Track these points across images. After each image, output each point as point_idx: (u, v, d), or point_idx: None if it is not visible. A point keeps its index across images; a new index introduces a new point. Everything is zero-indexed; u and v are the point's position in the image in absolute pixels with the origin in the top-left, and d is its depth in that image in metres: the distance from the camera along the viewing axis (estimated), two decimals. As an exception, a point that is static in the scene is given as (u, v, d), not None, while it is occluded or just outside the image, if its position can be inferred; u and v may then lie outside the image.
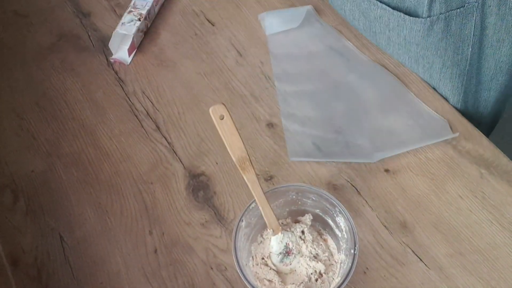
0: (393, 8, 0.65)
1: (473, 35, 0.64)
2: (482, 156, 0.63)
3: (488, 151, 0.64)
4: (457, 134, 0.64)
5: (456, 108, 0.69)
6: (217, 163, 0.65)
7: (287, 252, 0.54)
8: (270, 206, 0.53)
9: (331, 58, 0.74)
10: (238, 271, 0.50)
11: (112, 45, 0.76)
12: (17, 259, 0.59)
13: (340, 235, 0.55)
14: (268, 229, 0.55)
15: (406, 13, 0.64)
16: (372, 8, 0.67)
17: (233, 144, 0.51)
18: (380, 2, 0.66)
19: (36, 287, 0.57)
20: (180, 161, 0.66)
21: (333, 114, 0.69)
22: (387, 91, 0.70)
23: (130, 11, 0.77)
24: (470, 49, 0.66)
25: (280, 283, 0.53)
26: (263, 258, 0.55)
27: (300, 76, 0.73)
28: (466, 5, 0.61)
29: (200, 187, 0.64)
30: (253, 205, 0.54)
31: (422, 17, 0.63)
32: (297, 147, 0.65)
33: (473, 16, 0.62)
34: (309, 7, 0.79)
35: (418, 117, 0.67)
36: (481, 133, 0.66)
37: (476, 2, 0.61)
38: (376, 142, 0.65)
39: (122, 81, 0.75)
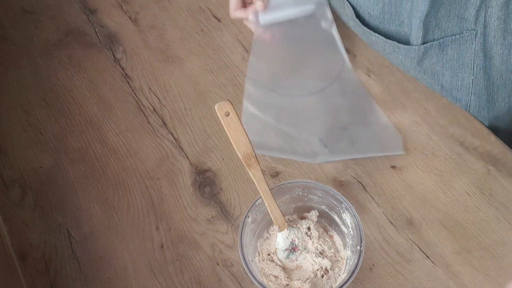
0: (387, 37, 0.65)
1: (474, 63, 0.62)
2: (489, 152, 0.63)
3: (496, 148, 0.63)
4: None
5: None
6: (223, 159, 0.65)
7: (293, 248, 0.54)
8: (276, 202, 0.53)
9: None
10: (244, 267, 0.50)
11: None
12: (25, 253, 0.60)
13: (346, 231, 0.55)
14: (274, 225, 0.55)
15: (400, 42, 0.64)
16: (367, 35, 0.68)
17: (239, 141, 0.51)
18: (373, 31, 0.66)
19: (44, 282, 0.58)
20: (187, 157, 0.66)
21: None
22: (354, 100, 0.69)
23: None
24: (472, 77, 0.64)
25: (286, 279, 0.54)
26: (269, 254, 0.55)
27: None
28: (464, 32, 0.60)
29: (206, 183, 0.64)
30: (259, 201, 0.54)
31: (416, 45, 0.63)
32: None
33: (472, 44, 0.61)
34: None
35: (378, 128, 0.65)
36: (488, 130, 0.65)
37: (474, 31, 0.59)
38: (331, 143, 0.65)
39: (128, 77, 0.75)
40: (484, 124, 0.66)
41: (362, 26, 0.67)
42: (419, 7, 0.59)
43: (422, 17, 0.59)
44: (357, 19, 0.68)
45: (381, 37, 0.66)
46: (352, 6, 0.68)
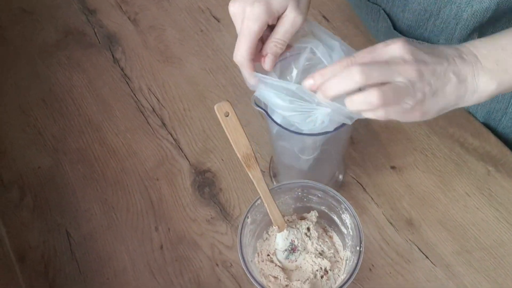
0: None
1: None
2: (489, 153, 0.63)
3: (496, 149, 0.63)
4: None
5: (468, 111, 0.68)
6: (222, 160, 0.65)
7: (292, 249, 0.54)
8: (275, 203, 0.53)
9: None
10: (244, 267, 0.50)
11: None
12: (24, 254, 0.60)
13: (345, 232, 0.55)
14: (273, 226, 0.55)
15: None
16: None
17: (238, 141, 0.50)
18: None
19: (43, 283, 0.58)
20: (186, 157, 0.66)
21: None
22: None
23: None
24: None
25: (285, 279, 0.53)
26: (268, 255, 0.55)
27: None
28: None
29: (205, 183, 0.64)
30: (258, 201, 0.54)
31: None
32: None
33: None
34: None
35: None
36: (488, 130, 0.65)
37: None
38: None
39: (128, 77, 0.75)
40: (484, 125, 0.66)
41: (401, 35, 0.63)
42: (478, 14, 0.55)
43: (480, 23, 0.56)
44: (395, 31, 0.63)
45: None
46: (390, 18, 0.63)
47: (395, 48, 0.43)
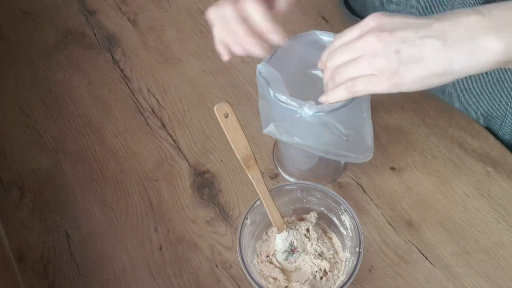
0: None
1: None
2: (488, 154, 0.63)
3: (495, 149, 0.63)
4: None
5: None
6: (222, 161, 0.65)
7: (292, 250, 0.54)
8: (275, 204, 0.53)
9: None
10: (243, 268, 0.50)
11: None
12: (24, 255, 0.60)
13: (345, 233, 0.55)
14: (273, 227, 0.55)
15: None
16: None
17: (238, 142, 0.50)
18: None
19: (43, 283, 0.58)
20: (185, 158, 0.66)
21: None
22: None
23: None
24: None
25: (285, 280, 0.53)
26: (268, 256, 0.55)
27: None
28: None
29: (205, 184, 0.64)
30: (258, 202, 0.54)
31: None
32: None
33: None
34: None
35: None
36: (487, 131, 0.65)
37: None
38: None
39: (127, 78, 0.75)
40: (483, 126, 0.66)
41: None
42: None
43: None
44: None
45: None
46: None
47: (366, 22, 0.44)
